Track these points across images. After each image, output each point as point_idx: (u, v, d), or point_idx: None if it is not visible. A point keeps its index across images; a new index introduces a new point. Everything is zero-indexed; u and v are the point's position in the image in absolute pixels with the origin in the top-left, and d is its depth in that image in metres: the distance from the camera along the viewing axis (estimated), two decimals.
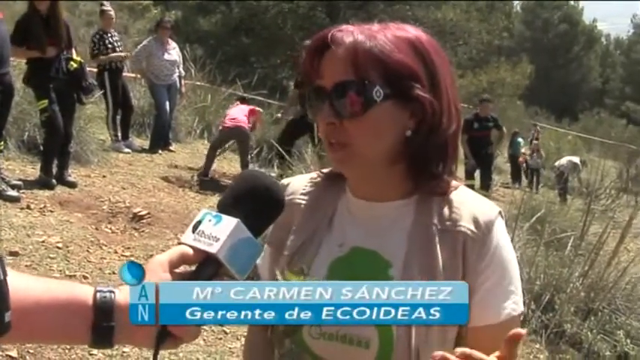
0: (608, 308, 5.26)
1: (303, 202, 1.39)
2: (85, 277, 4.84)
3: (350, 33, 1.20)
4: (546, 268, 5.52)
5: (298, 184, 1.43)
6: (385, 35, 1.20)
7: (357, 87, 1.17)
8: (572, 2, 51.46)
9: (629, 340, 5.03)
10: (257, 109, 9.56)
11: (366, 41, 1.18)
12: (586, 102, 49.82)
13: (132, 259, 5.41)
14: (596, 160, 17.99)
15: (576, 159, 17.00)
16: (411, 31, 1.24)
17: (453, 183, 1.29)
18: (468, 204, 1.26)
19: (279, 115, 10.39)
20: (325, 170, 1.40)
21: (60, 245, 5.32)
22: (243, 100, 9.97)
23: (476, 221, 1.24)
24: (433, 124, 1.21)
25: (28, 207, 6.04)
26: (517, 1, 34.37)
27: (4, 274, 0.84)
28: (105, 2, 9.89)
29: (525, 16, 50.13)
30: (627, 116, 43.52)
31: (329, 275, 1.27)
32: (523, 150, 18.40)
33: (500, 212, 1.27)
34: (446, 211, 1.26)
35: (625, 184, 15.77)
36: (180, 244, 1.06)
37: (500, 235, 1.25)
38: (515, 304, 1.25)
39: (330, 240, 1.32)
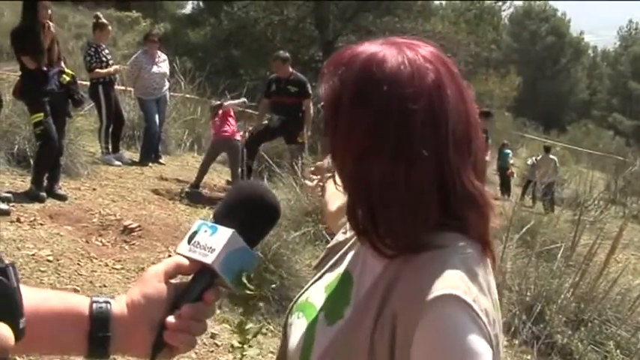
0: (599, 319, 5.28)
1: None
2: (76, 290, 4.81)
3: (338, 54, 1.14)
4: (536, 279, 5.54)
5: None
6: (337, 61, 1.11)
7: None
8: (559, 14, 51.78)
9: (619, 351, 5.05)
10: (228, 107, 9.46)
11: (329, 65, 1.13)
12: (573, 113, 50.11)
13: (123, 272, 5.40)
14: (584, 172, 18.07)
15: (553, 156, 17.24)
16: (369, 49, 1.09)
17: (438, 241, 1.06)
18: (425, 273, 1.03)
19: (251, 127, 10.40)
20: None
21: (50, 258, 5.29)
22: (220, 107, 9.90)
23: (414, 294, 1.01)
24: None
25: (18, 220, 6.01)
26: (505, 12, 34.53)
27: (17, 281, 0.84)
28: (100, 14, 9.89)
29: (513, 28, 50.43)
30: (614, 128, 43.81)
31: (329, 284, 1.26)
32: (511, 162, 18.47)
33: (450, 296, 0.98)
34: (405, 271, 1.06)
35: (613, 196, 15.86)
36: (176, 254, 1.06)
37: (435, 321, 0.98)
38: None
39: (352, 250, 1.28)
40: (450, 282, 1.00)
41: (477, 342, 0.97)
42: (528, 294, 5.41)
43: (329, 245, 1.38)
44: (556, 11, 52.39)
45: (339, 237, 1.36)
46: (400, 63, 1.06)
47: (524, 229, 6.59)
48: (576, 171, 19.75)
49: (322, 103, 1.11)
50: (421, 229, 1.06)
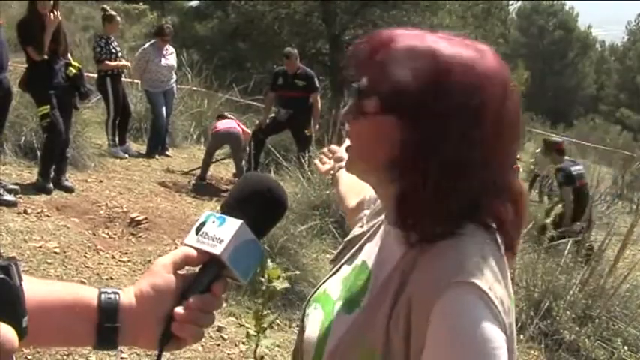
0: (606, 315, 5.26)
1: None
2: (83, 283, 4.82)
3: (384, 36, 1.13)
4: (544, 275, 5.52)
5: None
6: (406, 47, 1.08)
7: (357, 93, 1.11)
8: (567, 9, 51.58)
9: (626, 347, 5.04)
10: (247, 130, 9.57)
11: (383, 49, 1.09)
12: (581, 108, 49.93)
13: (130, 264, 5.41)
14: (591, 167, 18.02)
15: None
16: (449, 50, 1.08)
17: (460, 230, 1.08)
18: (442, 260, 1.04)
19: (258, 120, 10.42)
20: None
21: (57, 250, 5.31)
22: (223, 117, 9.86)
23: (430, 279, 1.02)
24: (425, 161, 1.06)
25: (25, 212, 6.02)
26: (512, 7, 34.41)
27: (20, 279, 0.83)
28: (107, 6, 9.90)
29: (521, 23, 50.25)
30: (621, 123, 43.56)
31: (346, 275, 1.28)
32: (518, 156, 18.40)
33: (465, 282, 1.00)
34: (423, 258, 1.07)
35: (620, 191, 15.81)
36: (183, 245, 1.06)
37: (450, 307, 0.99)
38: None
39: (369, 243, 1.31)
40: (467, 269, 1.02)
41: (491, 329, 0.98)
42: (536, 290, 5.39)
43: (346, 239, 1.41)
44: (564, 6, 52.20)
45: (356, 230, 1.38)
46: (483, 66, 1.08)
47: (530, 224, 6.56)
48: (583, 166, 19.67)
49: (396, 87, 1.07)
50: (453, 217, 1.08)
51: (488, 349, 0.96)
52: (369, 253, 1.26)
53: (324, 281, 1.34)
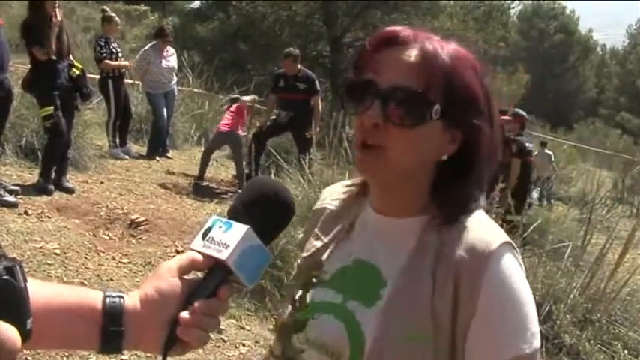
0: (607, 319, 5.25)
1: (331, 207, 1.40)
2: (83, 284, 4.82)
3: (426, 39, 1.16)
4: (544, 278, 5.51)
5: (332, 190, 1.45)
6: (454, 54, 1.17)
7: (418, 99, 1.12)
8: (568, 12, 51.60)
9: (626, 352, 5.02)
10: (242, 103, 9.51)
11: (441, 55, 1.15)
12: (581, 112, 49.96)
13: (130, 266, 5.40)
14: (591, 170, 18.02)
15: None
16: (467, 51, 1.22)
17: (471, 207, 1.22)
18: (473, 231, 1.16)
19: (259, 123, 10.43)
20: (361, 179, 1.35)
21: (58, 251, 5.31)
22: (235, 101, 9.83)
23: (472, 249, 1.13)
24: (480, 154, 1.19)
25: (26, 213, 6.02)
26: (514, 10, 34.37)
27: (25, 280, 0.83)
28: (106, 8, 9.92)
29: (521, 26, 50.23)
30: (622, 126, 43.56)
31: (329, 282, 1.26)
32: None
33: (505, 243, 1.15)
34: (449, 235, 1.16)
35: (620, 195, 15.82)
36: (190, 249, 1.06)
37: (501, 268, 1.12)
38: (524, 344, 1.11)
39: (343, 248, 1.31)
40: (499, 234, 1.18)
41: (525, 281, 1.17)
42: (536, 293, 5.38)
43: (306, 254, 1.39)
44: (565, 9, 52.24)
45: (317, 244, 1.38)
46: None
47: (531, 227, 6.56)
48: (583, 170, 19.66)
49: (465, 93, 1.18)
50: None
51: (528, 298, 1.15)
52: (365, 252, 1.27)
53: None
